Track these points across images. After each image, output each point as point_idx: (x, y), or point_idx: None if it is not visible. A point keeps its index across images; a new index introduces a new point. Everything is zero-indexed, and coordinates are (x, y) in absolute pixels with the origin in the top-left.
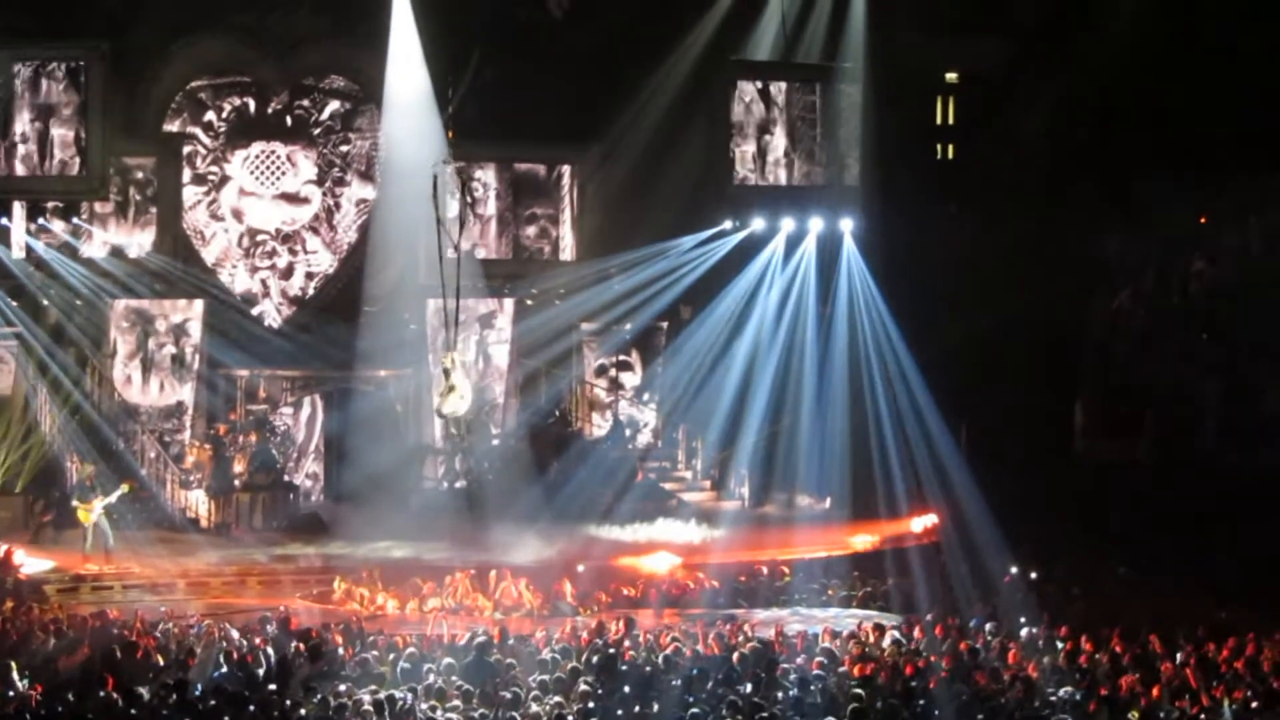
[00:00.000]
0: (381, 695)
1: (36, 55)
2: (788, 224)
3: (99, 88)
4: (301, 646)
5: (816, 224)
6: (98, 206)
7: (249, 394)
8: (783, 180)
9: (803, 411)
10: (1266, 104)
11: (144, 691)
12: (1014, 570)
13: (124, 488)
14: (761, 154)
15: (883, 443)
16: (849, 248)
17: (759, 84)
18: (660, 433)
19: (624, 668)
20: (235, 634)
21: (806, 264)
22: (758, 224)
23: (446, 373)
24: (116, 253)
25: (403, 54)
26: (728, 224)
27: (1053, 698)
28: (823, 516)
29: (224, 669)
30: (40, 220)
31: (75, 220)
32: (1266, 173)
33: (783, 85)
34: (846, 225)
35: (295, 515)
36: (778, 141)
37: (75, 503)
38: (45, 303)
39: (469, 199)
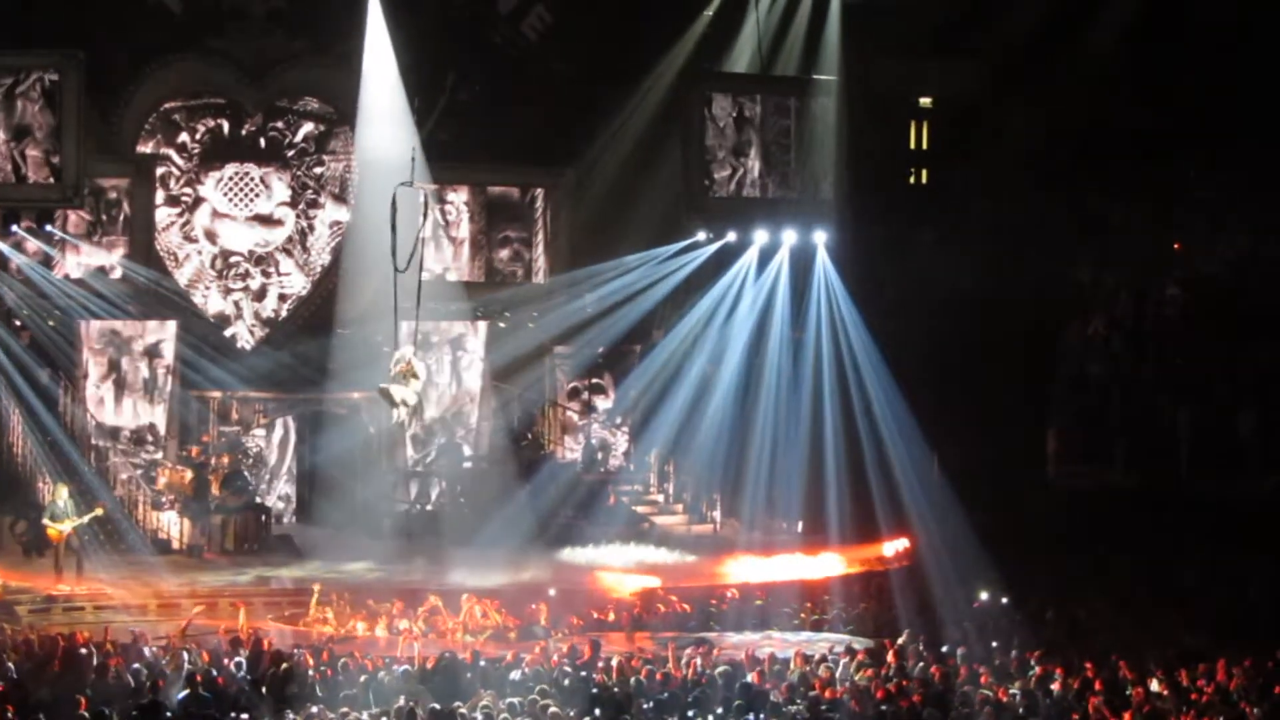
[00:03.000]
0: (352, 717)
1: (11, 65)
2: (761, 236)
3: (74, 95)
4: (273, 668)
5: (790, 236)
6: (70, 227)
7: (221, 416)
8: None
9: (775, 434)
10: (1239, 131)
11: (115, 713)
12: (986, 595)
13: (97, 511)
14: (736, 178)
15: (855, 467)
16: (822, 259)
17: (734, 108)
18: (632, 456)
19: (595, 690)
20: (206, 656)
21: (780, 279)
22: (731, 236)
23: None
24: (91, 272)
25: (377, 76)
26: (701, 235)
27: None
28: (795, 540)
29: (195, 691)
30: (14, 227)
31: (49, 228)
32: (1239, 199)
33: (758, 109)
34: (820, 238)
35: (267, 537)
36: (752, 164)
37: (46, 522)
38: (18, 323)
39: (443, 221)
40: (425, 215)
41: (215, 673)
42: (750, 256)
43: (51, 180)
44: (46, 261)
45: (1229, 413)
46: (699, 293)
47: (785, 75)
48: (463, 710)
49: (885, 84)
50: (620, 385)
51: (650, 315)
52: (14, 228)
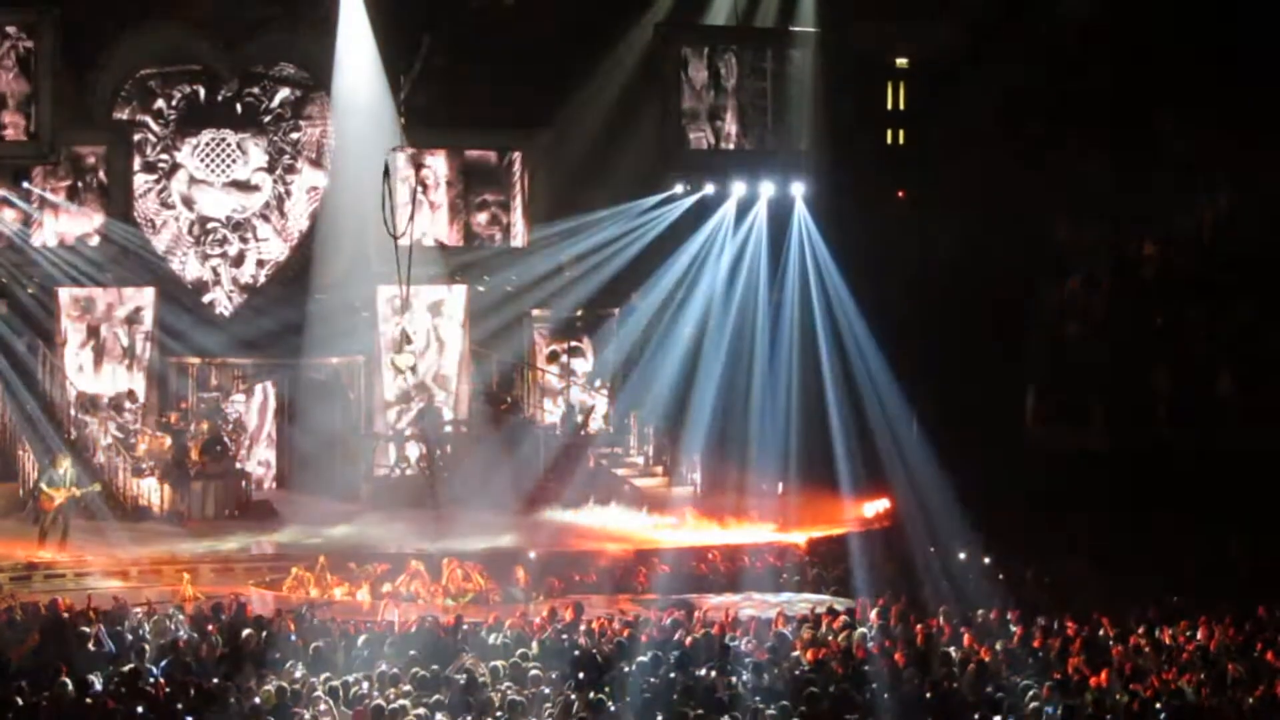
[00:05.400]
0: (335, 682)
1: None
2: (738, 188)
3: (49, 53)
4: (254, 634)
5: (768, 189)
6: (48, 195)
7: (201, 382)
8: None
9: (756, 395)
10: (1216, 92)
11: (96, 680)
12: (965, 555)
13: (95, 486)
14: (712, 138)
15: (836, 426)
16: (800, 213)
17: (709, 70)
18: (611, 418)
19: (576, 654)
20: (188, 622)
21: (758, 233)
22: (709, 189)
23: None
24: (68, 240)
25: (353, 41)
26: (679, 188)
27: (1006, 682)
28: (776, 501)
29: (177, 657)
30: None
31: (26, 185)
32: (1216, 159)
33: (733, 70)
34: (798, 190)
35: (247, 503)
36: (729, 128)
37: (43, 488)
38: None
39: (420, 185)
40: (397, 178)
41: (197, 639)
42: (728, 210)
43: (25, 138)
44: (26, 225)
45: (1207, 371)
46: (677, 249)
47: (760, 27)
48: (445, 674)
49: (861, 45)
50: (599, 348)
51: (628, 276)
52: None
